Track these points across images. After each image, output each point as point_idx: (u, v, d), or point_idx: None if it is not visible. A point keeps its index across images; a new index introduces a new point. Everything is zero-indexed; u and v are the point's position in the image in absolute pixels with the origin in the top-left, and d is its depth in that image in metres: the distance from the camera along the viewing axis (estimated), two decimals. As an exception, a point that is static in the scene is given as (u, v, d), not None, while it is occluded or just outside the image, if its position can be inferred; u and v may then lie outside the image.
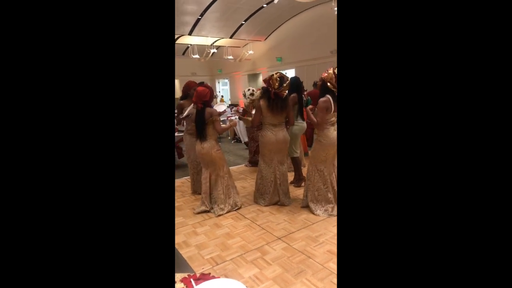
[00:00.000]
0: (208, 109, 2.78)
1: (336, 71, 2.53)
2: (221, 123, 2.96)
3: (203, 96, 2.75)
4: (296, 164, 3.62)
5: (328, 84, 2.57)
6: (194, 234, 2.52)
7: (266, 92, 2.88)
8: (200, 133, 2.82)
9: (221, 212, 2.87)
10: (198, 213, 2.94)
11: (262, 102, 2.88)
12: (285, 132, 2.96)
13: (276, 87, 2.77)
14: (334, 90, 2.55)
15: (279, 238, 2.39)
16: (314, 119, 2.71)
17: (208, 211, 2.95)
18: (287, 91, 2.86)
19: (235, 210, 2.96)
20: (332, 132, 2.68)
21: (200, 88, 2.80)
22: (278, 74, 2.82)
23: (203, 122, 2.78)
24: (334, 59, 8.37)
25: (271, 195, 3.05)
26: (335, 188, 2.80)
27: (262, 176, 3.07)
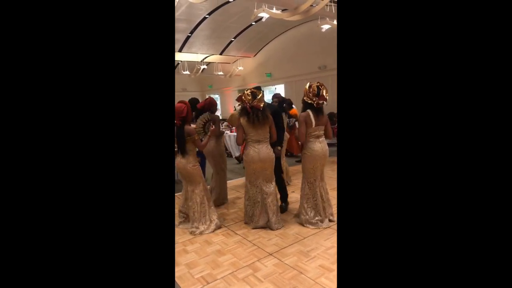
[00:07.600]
0: (186, 128, 2.77)
1: (310, 86, 2.73)
2: (200, 138, 2.92)
3: (179, 113, 2.73)
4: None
5: (305, 98, 2.76)
6: (184, 252, 2.47)
7: (243, 109, 2.79)
8: (181, 149, 2.80)
9: (194, 230, 2.80)
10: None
11: (242, 120, 2.78)
12: (268, 149, 2.80)
13: (249, 101, 2.70)
14: (311, 102, 2.72)
15: (271, 254, 2.36)
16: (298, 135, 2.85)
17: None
18: (262, 103, 2.75)
19: (213, 232, 2.84)
20: (317, 145, 2.80)
21: (177, 105, 2.75)
22: (249, 90, 2.79)
23: (184, 140, 2.77)
24: (322, 74, 8.56)
25: (258, 217, 2.87)
26: (323, 199, 2.86)
27: (248, 197, 2.91)
